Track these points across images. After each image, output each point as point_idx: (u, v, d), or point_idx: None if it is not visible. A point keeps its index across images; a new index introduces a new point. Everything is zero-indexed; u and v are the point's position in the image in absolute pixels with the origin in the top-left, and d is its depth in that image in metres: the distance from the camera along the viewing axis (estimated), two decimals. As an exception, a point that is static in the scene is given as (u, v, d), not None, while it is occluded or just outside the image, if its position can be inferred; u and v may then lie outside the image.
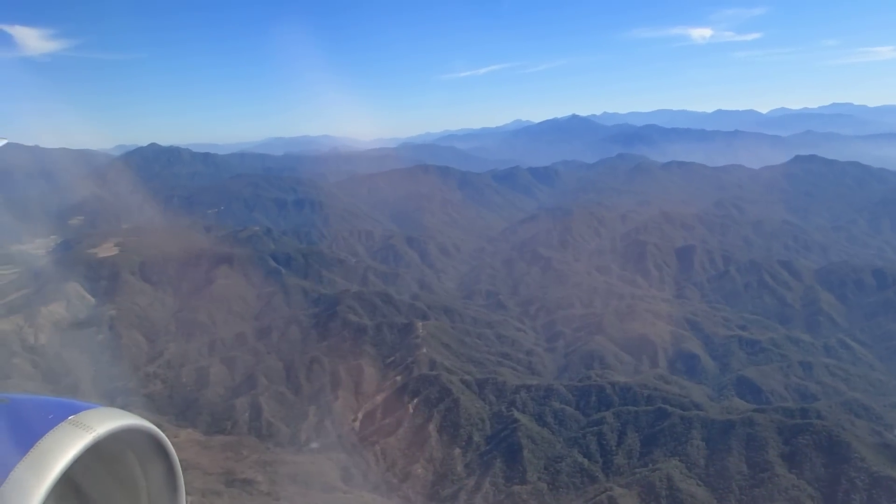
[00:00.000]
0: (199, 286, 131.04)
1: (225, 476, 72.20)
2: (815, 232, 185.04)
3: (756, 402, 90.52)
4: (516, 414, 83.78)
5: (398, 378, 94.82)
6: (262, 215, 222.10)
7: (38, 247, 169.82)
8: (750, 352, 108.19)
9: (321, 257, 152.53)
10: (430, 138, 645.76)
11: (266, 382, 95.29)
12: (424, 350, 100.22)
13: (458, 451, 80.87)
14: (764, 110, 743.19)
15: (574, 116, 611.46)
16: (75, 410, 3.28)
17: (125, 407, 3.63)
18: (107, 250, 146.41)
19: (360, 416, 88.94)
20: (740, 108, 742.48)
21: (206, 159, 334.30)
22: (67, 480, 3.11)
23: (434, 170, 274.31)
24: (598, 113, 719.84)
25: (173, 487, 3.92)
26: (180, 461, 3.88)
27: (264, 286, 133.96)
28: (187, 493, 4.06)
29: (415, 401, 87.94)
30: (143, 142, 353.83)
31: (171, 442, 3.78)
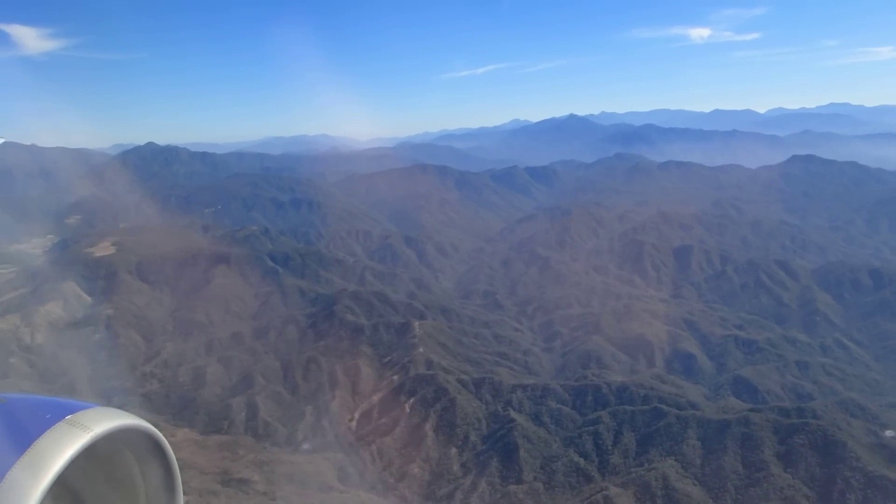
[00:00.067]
0: (197, 286, 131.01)
1: (221, 476, 72.26)
2: (813, 232, 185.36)
3: (752, 401, 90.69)
4: (513, 413, 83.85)
5: (395, 378, 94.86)
6: (259, 215, 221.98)
7: (35, 246, 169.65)
8: (746, 351, 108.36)
9: (319, 257, 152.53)
10: (428, 138, 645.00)
11: (263, 382, 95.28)
12: (421, 350, 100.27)
13: (454, 450, 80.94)
14: (762, 110, 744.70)
15: (572, 116, 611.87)
16: (72, 410, 3.26)
17: (122, 406, 3.62)
18: (104, 250, 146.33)
19: (356, 415, 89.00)
20: (738, 108, 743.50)
21: (203, 159, 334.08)
22: (62, 483, 3.06)
23: (432, 169, 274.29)
24: (596, 113, 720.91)
25: (171, 488, 3.90)
26: (177, 461, 3.87)
27: (262, 286, 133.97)
28: (184, 493, 4.03)
29: (411, 400, 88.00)
30: (141, 141, 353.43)
31: (168, 441, 3.77)
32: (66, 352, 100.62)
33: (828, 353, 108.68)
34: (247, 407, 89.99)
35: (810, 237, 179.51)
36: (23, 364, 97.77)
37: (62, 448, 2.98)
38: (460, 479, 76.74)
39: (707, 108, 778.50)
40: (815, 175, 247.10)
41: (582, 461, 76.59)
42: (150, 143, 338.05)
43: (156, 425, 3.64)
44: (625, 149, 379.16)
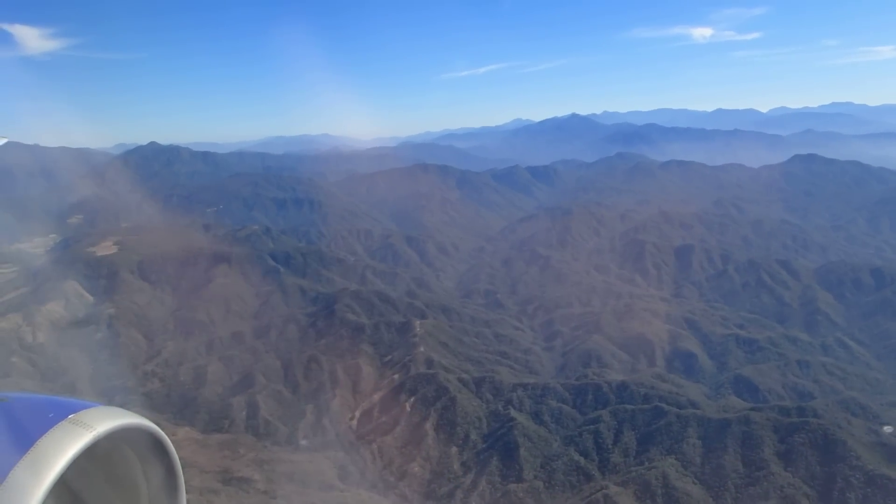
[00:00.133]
0: (198, 285, 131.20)
1: (222, 474, 72.39)
2: (814, 231, 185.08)
3: (753, 400, 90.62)
4: (513, 412, 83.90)
5: (395, 377, 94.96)
6: (261, 214, 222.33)
7: (36, 245, 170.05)
8: (747, 350, 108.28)
9: (320, 256, 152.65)
10: (430, 137, 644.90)
11: (264, 381, 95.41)
12: (422, 349, 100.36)
13: (454, 449, 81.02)
14: (764, 109, 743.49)
15: (574, 115, 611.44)
16: (75, 409, 3.26)
17: (123, 405, 3.64)
18: (105, 249, 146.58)
19: (357, 414, 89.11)
20: (740, 108, 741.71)
21: (205, 158, 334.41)
22: (64, 482, 3.07)
23: (433, 169, 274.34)
24: (598, 112, 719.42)
25: (173, 487, 3.89)
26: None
27: (263, 285, 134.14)
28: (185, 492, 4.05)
29: (412, 399, 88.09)
30: (143, 141, 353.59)
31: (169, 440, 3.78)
32: (67, 351, 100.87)
33: (829, 352, 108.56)
34: (248, 406, 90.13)
35: (812, 236, 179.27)
36: (24, 363, 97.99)
37: (65, 447, 2.98)
38: (461, 477, 76.82)
39: (710, 108, 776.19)
40: (816, 174, 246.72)
41: (582, 460, 76.61)
42: (152, 143, 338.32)
43: (157, 424, 3.66)
44: (626, 148, 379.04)
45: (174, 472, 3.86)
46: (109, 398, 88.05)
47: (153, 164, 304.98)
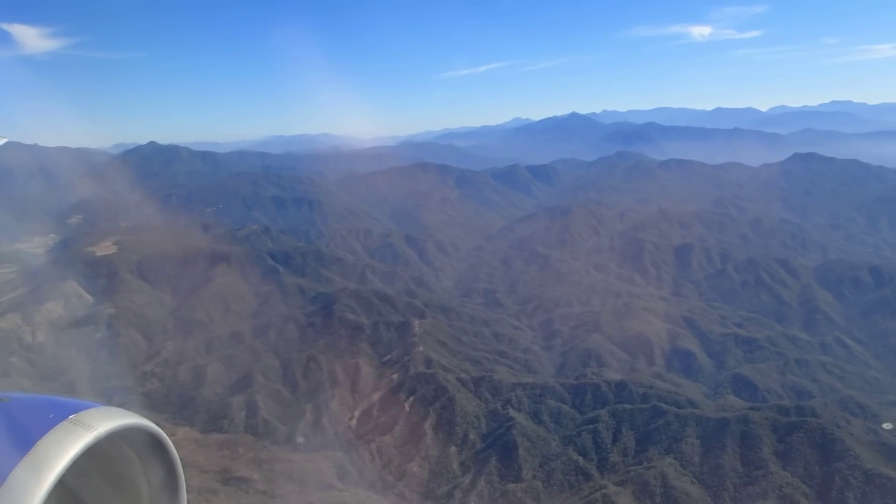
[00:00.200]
0: (197, 285, 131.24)
1: (221, 474, 72.42)
2: (814, 230, 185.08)
3: (752, 399, 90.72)
4: (512, 412, 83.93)
5: (394, 376, 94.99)
6: (260, 214, 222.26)
7: (36, 245, 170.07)
8: (746, 349, 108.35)
9: (319, 256, 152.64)
10: (430, 136, 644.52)
11: (263, 381, 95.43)
12: (421, 348, 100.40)
13: (453, 449, 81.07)
14: (764, 108, 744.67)
15: (574, 114, 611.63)
16: (76, 409, 3.25)
17: (123, 405, 3.62)
18: (105, 249, 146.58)
19: (356, 414, 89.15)
20: (740, 106, 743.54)
21: (205, 158, 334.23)
22: (64, 485, 3.06)
23: (433, 168, 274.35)
24: (598, 111, 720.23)
25: (174, 487, 3.88)
26: None
27: (262, 284, 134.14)
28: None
29: (411, 399, 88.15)
30: (143, 140, 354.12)
31: None
32: (66, 351, 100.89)
33: (828, 351, 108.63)
34: (247, 405, 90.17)
35: (811, 235, 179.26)
36: (23, 363, 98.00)
37: (65, 447, 2.97)
38: (459, 477, 76.88)
39: (709, 107, 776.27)
40: (815, 173, 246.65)
41: (581, 459, 76.64)
42: (151, 143, 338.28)
43: (156, 424, 3.65)
44: (626, 147, 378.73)
45: (175, 472, 3.85)
46: (109, 398, 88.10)
47: (152, 164, 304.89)
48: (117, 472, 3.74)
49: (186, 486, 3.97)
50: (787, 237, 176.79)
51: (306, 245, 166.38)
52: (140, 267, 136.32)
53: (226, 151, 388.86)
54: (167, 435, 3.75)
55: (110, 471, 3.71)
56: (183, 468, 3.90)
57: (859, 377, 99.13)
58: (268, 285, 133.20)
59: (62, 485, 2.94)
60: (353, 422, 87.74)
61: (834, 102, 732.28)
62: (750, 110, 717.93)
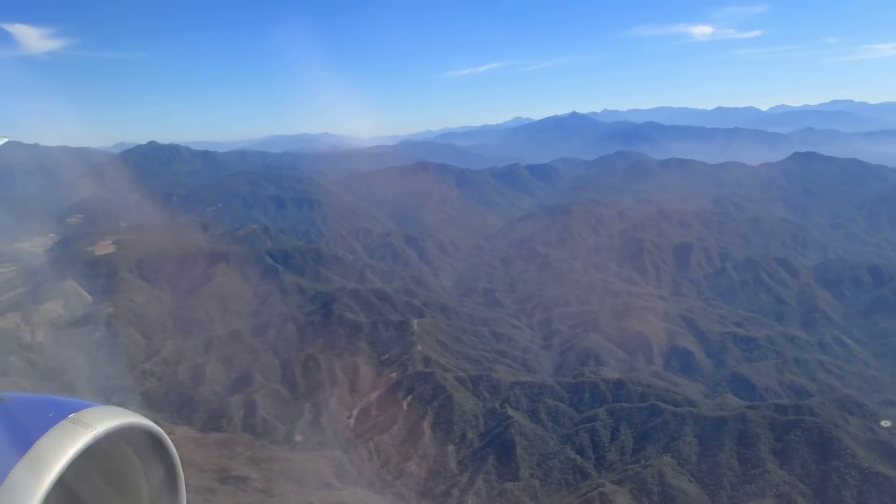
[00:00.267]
0: (197, 284, 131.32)
1: (219, 473, 72.51)
2: (814, 229, 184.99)
3: (750, 398, 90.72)
4: (510, 411, 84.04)
5: (393, 375, 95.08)
6: (260, 213, 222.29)
7: (36, 245, 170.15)
8: (745, 349, 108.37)
9: (319, 255, 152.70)
10: (430, 136, 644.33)
11: (262, 380, 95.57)
12: (419, 347, 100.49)
13: (451, 447, 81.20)
14: (764, 107, 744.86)
15: (574, 114, 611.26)
16: (75, 409, 3.24)
17: (122, 404, 3.63)
18: (104, 248, 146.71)
19: (354, 413, 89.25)
20: (740, 106, 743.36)
21: (205, 157, 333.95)
22: (63, 484, 3.04)
23: (433, 167, 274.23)
24: (598, 110, 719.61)
25: (174, 486, 3.87)
26: None
27: (261, 284, 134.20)
28: None
29: (409, 398, 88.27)
30: (143, 140, 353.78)
31: None
32: (66, 350, 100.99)
33: (826, 350, 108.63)
34: (245, 404, 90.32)
35: (811, 234, 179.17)
36: (23, 362, 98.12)
37: (65, 447, 2.96)
38: (457, 476, 77.01)
39: (710, 106, 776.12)
40: (815, 172, 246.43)
41: (578, 458, 76.76)
42: (151, 142, 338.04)
43: (155, 423, 3.67)
44: (626, 146, 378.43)
45: (174, 472, 3.85)
46: (108, 397, 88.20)
47: (152, 164, 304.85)
48: (117, 471, 3.74)
49: (185, 484, 4.01)
50: (787, 236, 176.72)
51: (306, 244, 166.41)
52: (139, 266, 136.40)
53: (226, 151, 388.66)
54: (166, 434, 3.76)
55: (110, 470, 3.71)
56: (182, 467, 3.92)
57: (858, 376, 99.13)
58: (267, 284, 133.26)
59: (62, 484, 2.95)
60: (352, 421, 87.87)
61: (834, 102, 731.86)
62: (750, 110, 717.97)
